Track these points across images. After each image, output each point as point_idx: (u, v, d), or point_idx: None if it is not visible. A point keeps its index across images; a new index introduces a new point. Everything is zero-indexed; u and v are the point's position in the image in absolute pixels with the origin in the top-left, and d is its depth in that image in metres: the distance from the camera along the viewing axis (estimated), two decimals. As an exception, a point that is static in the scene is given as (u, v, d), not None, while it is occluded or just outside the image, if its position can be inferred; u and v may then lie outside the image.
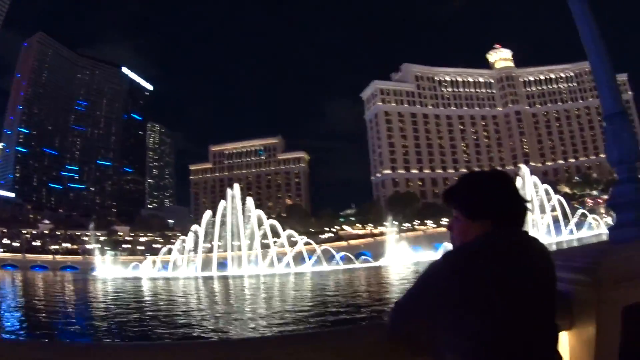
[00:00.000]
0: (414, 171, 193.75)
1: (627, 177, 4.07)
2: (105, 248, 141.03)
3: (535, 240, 2.15)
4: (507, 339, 1.82)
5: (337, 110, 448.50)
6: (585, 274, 2.62)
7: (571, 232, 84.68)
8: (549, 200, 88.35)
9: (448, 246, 2.03)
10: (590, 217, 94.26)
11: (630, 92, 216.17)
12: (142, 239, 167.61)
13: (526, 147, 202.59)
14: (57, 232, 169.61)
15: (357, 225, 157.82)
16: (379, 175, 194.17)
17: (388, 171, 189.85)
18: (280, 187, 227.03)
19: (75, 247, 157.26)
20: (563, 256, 3.07)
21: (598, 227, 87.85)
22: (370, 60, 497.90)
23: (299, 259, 77.94)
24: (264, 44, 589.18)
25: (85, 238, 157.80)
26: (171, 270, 77.81)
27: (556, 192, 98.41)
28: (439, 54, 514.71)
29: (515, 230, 2.10)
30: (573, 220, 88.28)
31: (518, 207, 2.12)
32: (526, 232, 2.13)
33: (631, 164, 4.09)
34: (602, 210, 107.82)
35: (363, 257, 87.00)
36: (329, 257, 79.20)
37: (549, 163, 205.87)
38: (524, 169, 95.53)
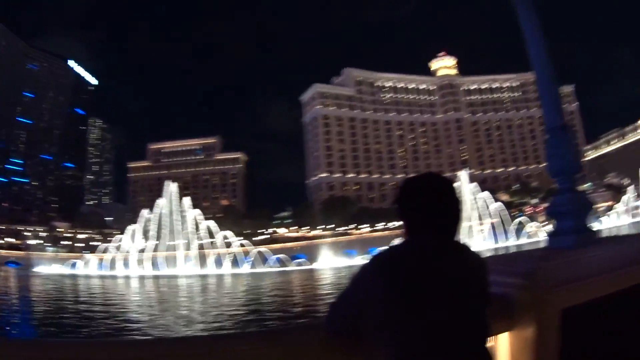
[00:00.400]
0: (351, 175, 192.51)
1: (567, 188, 4.23)
2: (46, 244, 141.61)
3: (462, 247, 2.20)
4: (430, 339, 1.92)
5: (277, 111, 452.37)
6: (525, 278, 2.71)
7: (509, 239, 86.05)
8: (488, 207, 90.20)
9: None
10: (528, 224, 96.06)
11: (575, 103, 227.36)
12: (80, 236, 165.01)
13: (465, 154, 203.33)
14: (1, 227, 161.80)
15: (292, 227, 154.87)
16: (315, 178, 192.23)
17: (324, 174, 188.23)
18: (217, 188, 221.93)
19: (18, 242, 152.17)
20: (504, 261, 3.26)
21: (536, 234, 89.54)
22: (312, 63, 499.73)
23: (234, 260, 78.07)
24: (205, 42, 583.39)
25: (28, 233, 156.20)
26: (108, 269, 77.64)
27: (495, 199, 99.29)
28: (384, 59, 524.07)
29: (438, 236, 2.14)
30: (511, 228, 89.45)
31: (438, 213, 2.14)
32: (450, 239, 2.17)
33: (570, 175, 4.25)
34: (541, 218, 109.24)
35: (298, 260, 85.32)
36: (264, 259, 78.80)
37: (488, 171, 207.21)
38: (463, 175, 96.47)
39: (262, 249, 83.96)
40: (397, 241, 1.72)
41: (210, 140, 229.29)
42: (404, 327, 1.92)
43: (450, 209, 2.17)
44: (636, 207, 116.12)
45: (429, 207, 2.14)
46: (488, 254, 3.42)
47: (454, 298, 2.01)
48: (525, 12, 4.40)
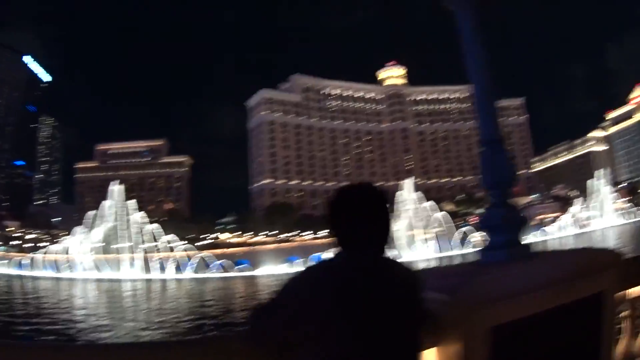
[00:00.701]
0: (294, 182, 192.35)
1: (500, 202, 4.18)
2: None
3: (393, 263, 2.18)
4: (359, 356, 1.92)
5: (224, 116, 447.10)
6: (451, 295, 2.72)
7: (454, 249, 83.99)
8: (432, 216, 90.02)
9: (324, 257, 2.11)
10: (472, 234, 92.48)
11: (525, 116, 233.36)
12: (29, 236, 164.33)
13: (410, 164, 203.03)
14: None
15: (236, 233, 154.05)
16: (258, 184, 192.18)
17: (268, 180, 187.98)
18: (162, 191, 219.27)
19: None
20: (434, 275, 3.26)
21: (481, 244, 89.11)
22: (261, 68, 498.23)
23: (178, 265, 76.14)
24: (155, 44, 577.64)
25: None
26: (53, 270, 75.97)
27: (440, 209, 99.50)
28: (334, 67, 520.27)
29: (368, 251, 2.11)
30: (455, 237, 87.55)
31: (368, 226, 2.11)
32: (380, 253, 2.15)
33: (504, 188, 4.20)
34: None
35: (241, 266, 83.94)
36: (207, 265, 77.46)
37: (433, 181, 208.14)
38: (407, 183, 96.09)
39: (205, 254, 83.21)
40: (331, 253, 1.81)
41: (157, 143, 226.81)
42: (333, 342, 1.90)
43: (380, 222, 2.13)
44: (587, 219, 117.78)
45: (359, 220, 2.09)
46: (421, 268, 3.64)
47: (384, 315, 1.98)
48: (464, 23, 4.24)
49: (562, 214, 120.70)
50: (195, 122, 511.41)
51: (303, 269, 2.05)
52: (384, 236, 2.14)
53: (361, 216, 2.10)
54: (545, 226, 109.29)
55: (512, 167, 4.18)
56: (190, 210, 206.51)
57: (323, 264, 2.11)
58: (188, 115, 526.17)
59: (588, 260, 3.67)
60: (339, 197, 2.17)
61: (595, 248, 4.44)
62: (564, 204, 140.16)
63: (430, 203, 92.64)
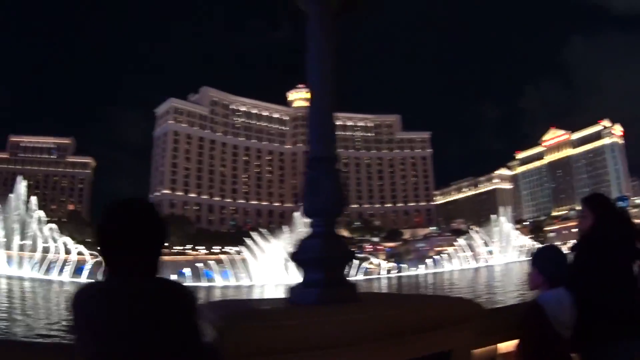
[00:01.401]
0: (193, 195, 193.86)
1: (322, 232, 3.65)
2: None
3: (163, 288, 2.04)
4: None
5: (133, 122, 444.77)
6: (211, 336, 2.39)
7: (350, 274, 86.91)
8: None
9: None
10: (368, 262, 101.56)
11: (430, 150, 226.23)
12: None
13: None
14: None
15: None
16: (157, 194, 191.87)
17: (167, 191, 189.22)
18: (66, 191, 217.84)
19: None
20: (209, 309, 2.88)
21: (376, 272, 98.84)
22: (176, 76, 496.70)
23: (76, 268, 76.32)
24: (71, 41, 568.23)
25: None
26: None
27: None
28: (247, 84, 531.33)
29: (135, 276, 2.00)
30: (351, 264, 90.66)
31: (136, 248, 1.99)
32: (149, 277, 2.04)
33: (329, 216, 3.71)
34: (382, 256, 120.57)
35: None
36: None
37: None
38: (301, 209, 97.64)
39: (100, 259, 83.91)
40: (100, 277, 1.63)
41: (64, 141, 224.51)
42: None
43: (150, 243, 2.03)
44: (489, 253, 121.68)
45: (127, 242, 1.99)
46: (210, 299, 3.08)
47: (144, 343, 1.90)
48: (314, 25, 3.90)
49: (458, 247, 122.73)
50: (104, 125, 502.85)
51: (74, 293, 1.97)
52: (156, 259, 2.03)
53: (126, 237, 1.99)
54: (441, 259, 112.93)
55: (341, 193, 3.78)
56: (90, 213, 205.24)
57: (89, 288, 2.02)
58: (97, 117, 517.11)
59: (433, 312, 3.34)
60: (111, 215, 2.03)
61: (449, 297, 4.29)
62: (463, 238, 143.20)
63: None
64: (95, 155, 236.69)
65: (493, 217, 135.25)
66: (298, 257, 3.63)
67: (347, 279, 3.63)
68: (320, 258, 3.49)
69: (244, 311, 3.16)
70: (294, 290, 3.58)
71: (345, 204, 3.82)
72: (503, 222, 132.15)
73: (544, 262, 3.68)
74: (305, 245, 3.63)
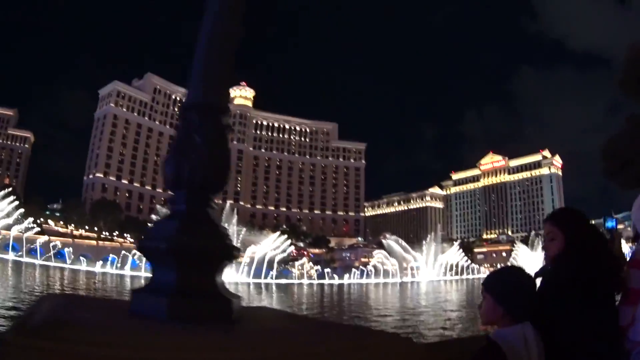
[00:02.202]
0: (124, 181, 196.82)
1: (184, 211, 2.57)
2: None
3: None
4: None
5: (78, 101, 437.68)
6: None
7: (267, 276, 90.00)
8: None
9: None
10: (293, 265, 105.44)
11: (362, 161, 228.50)
12: None
13: (239, 186, 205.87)
14: None
15: (61, 222, 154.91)
16: (91, 176, 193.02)
17: (100, 175, 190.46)
18: (2, 164, 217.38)
19: None
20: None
21: (302, 276, 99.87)
22: (126, 58, 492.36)
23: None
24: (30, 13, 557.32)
25: None
26: None
27: None
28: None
29: None
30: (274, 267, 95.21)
31: None
32: None
33: (198, 190, 2.64)
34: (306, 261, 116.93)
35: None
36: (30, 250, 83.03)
37: (260, 207, 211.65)
38: (228, 206, 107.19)
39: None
40: None
41: (7, 112, 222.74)
42: None
43: None
44: (416, 269, 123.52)
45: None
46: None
47: None
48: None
49: (384, 260, 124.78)
50: (49, 101, 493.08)
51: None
52: None
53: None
54: (367, 270, 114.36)
55: (222, 159, 2.88)
56: (24, 189, 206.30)
57: None
58: (43, 92, 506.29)
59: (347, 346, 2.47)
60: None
61: (378, 332, 3.36)
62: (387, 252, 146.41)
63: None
64: (35, 131, 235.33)
65: (430, 235, 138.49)
66: (144, 245, 2.79)
67: (220, 287, 2.71)
68: (172, 250, 2.53)
69: (58, 317, 2.26)
70: (137, 295, 2.67)
71: (227, 175, 3.02)
72: (432, 240, 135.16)
73: (504, 289, 2.72)
74: (155, 230, 2.83)
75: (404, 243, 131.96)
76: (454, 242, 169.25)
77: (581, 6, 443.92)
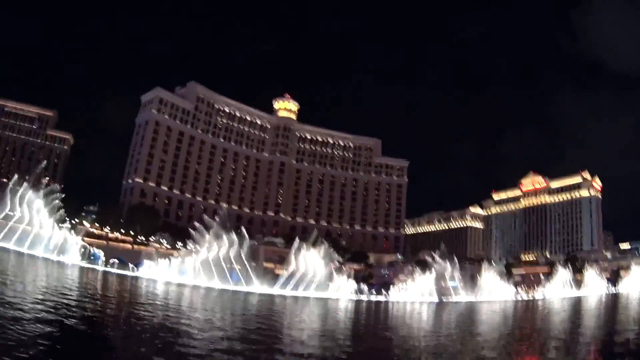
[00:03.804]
0: (164, 188, 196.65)
1: None
2: None
3: None
4: None
5: (118, 105, 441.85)
6: None
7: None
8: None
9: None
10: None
11: (406, 179, 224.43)
12: None
13: (280, 198, 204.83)
14: None
15: (96, 224, 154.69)
16: (130, 181, 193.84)
17: (139, 180, 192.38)
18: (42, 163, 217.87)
19: None
20: None
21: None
22: (167, 68, 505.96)
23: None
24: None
25: None
26: None
27: None
28: (236, 87, 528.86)
29: None
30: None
31: None
32: None
33: None
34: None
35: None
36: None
37: (300, 220, 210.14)
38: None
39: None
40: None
41: (47, 113, 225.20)
42: None
43: None
44: (454, 290, 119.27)
45: None
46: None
47: None
48: None
49: (422, 279, 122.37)
50: (90, 104, 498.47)
51: None
52: None
53: None
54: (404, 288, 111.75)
55: None
56: (62, 190, 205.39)
57: None
58: (85, 95, 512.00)
59: None
60: None
61: None
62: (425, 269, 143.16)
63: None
64: (75, 132, 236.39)
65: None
66: None
67: None
68: None
69: None
70: None
71: None
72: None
73: None
74: None
75: (445, 262, 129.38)
76: (493, 263, 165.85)
77: (620, 27, 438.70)
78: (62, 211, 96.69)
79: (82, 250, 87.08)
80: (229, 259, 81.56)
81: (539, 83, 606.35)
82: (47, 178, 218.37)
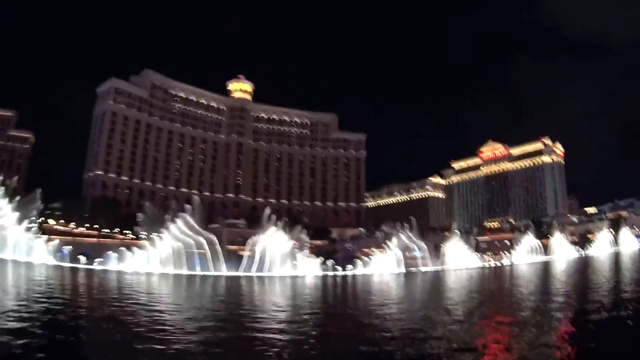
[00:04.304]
0: (124, 178, 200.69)
1: None
2: None
3: None
4: None
5: (78, 99, 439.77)
6: None
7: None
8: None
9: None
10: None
11: (363, 151, 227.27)
12: None
13: (239, 179, 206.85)
14: None
15: (61, 220, 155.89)
16: (91, 174, 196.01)
17: (100, 172, 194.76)
18: (4, 165, 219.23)
19: None
20: None
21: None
22: (118, 58, 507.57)
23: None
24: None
25: None
26: None
27: None
28: (190, 70, 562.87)
29: None
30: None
31: None
32: None
33: None
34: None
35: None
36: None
37: (260, 199, 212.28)
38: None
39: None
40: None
41: (7, 113, 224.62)
42: None
43: None
44: (421, 259, 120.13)
45: None
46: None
47: None
48: None
49: (388, 251, 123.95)
50: (49, 100, 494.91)
51: None
52: None
53: None
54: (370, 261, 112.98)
55: None
56: (25, 189, 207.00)
57: None
58: (43, 92, 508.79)
59: None
60: None
61: None
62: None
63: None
64: (36, 131, 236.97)
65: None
66: None
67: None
68: None
69: None
70: None
71: None
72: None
73: None
74: None
75: (408, 233, 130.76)
76: (456, 231, 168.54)
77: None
78: (25, 211, 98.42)
79: (53, 248, 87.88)
80: (193, 246, 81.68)
81: (498, 50, 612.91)
82: (2, 178, 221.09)
